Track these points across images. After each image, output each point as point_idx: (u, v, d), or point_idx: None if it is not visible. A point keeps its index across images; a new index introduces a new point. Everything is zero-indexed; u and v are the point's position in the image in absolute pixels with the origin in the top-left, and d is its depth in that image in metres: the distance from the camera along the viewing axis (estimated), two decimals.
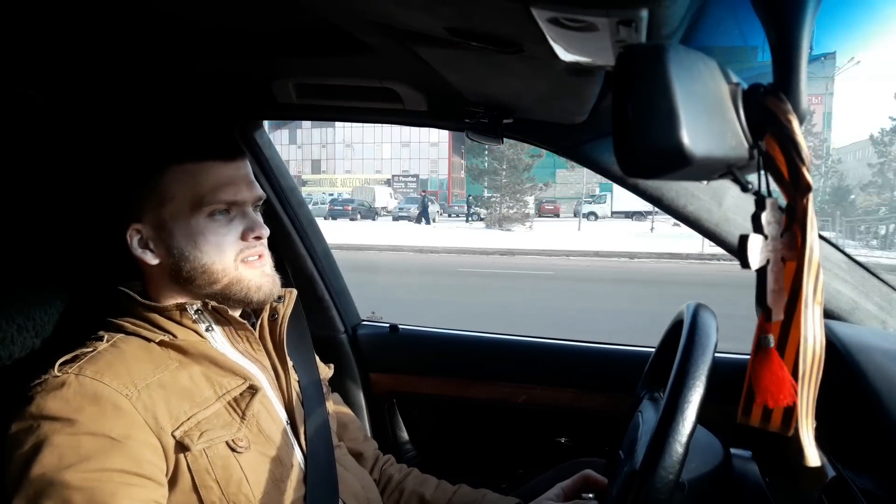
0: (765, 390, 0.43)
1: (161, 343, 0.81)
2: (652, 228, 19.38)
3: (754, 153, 0.41)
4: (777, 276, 0.42)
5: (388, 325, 1.58)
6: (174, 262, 0.82)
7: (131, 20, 0.87)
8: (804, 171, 0.40)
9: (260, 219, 0.87)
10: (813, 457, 0.42)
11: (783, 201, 0.43)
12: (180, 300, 0.84)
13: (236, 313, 0.88)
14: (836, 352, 0.81)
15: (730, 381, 0.78)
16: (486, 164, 24.43)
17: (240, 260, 0.84)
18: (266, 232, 0.87)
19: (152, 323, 0.82)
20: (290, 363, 0.92)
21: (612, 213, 23.44)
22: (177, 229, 0.82)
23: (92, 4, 0.83)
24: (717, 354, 0.73)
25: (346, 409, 1.15)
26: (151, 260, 0.83)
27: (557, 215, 27.18)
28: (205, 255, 0.82)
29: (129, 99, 1.17)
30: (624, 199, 24.02)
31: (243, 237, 0.85)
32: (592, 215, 24.48)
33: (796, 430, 0.43)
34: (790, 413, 0.43)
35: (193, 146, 0.83)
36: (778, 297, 0.42)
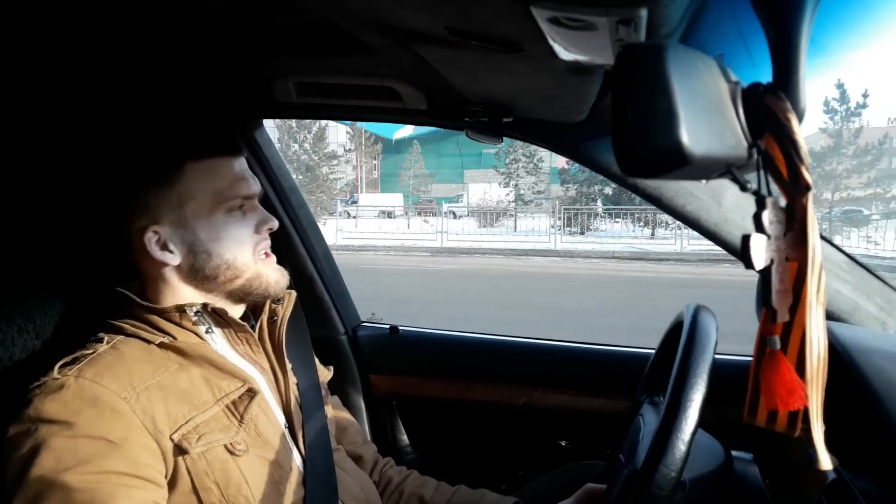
0: (775, 394, 0.42)
1: (161, 345, 0.80)
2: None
3: (753, 152, 0.41)
4: (782, 276, 0.42)
5: (388, 326, 1.57)
6: (196, 260, 0.83)
7: (132, 20, 0.87)
8: (803, 170, 0.40)
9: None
10: (825, 460, 0.42)
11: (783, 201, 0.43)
12: (187, 301, 0.84)
13: (236, 315, 0.88)
14: (836, 353, 0.80)
15: (729, 382, 0.78)
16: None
17: (257, 254, 0.87)
18: (276, 223, 0.89)
19: (152, 325, 0.82)
20: (288, 366, 0.92)
21: (469, 211, 24.29)
22: (199, 227, 0.82)
23: (93, 4, 0.82)
24: (716, 356, 0.73)
25: (345, 413, 1.15)
26: (172, 260, 0.83)
27: (435, 214, 27.95)
28: (227, 250, 0.84)
29: (130, 99, 1.17)
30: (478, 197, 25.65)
31: (257, 230, 0.87)
32: (451, 213, 25.37)
33: (802, 430, 0.42)
34: (796, 413, 0.43)
35: (207, 143, 0.84)
36: (783, 297, 0.42)
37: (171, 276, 0.84)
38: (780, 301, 0.42)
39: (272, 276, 0.88)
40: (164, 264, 0.83)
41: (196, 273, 0.84)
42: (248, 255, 0.86)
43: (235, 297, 0.87)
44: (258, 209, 0.88)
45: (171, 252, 0.83)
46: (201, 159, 0.83)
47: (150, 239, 0.82)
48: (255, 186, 0.87)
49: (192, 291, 0.85)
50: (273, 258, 0.90)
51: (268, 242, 0.89)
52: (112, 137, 1.07)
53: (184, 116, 1.23)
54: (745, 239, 0.40)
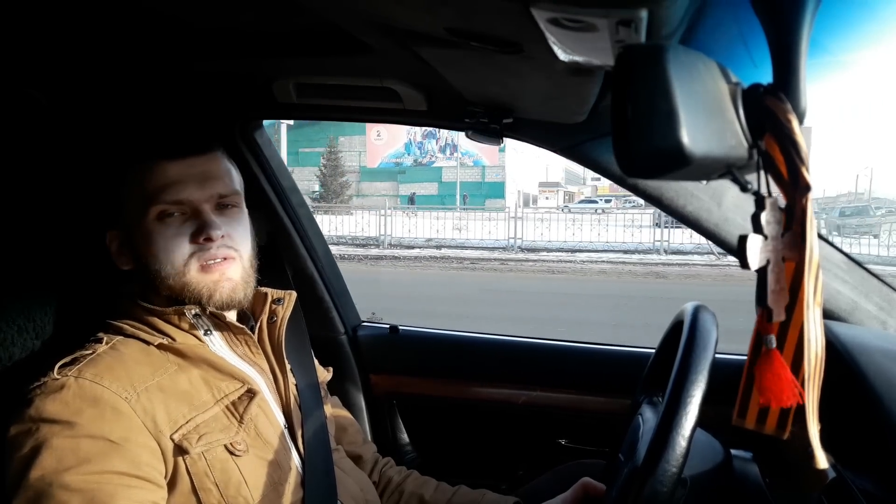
0: (767, 391, 0.43)
1: (160, 346, 0.80)
2: None
3: (754, 153, 0.41)
4: (778, 277, 0.42)
5: (388, 326, 1.57)
6: (140, 266, 0.82)
7: (132, 21, 0.87)
8: (803, 170, 0.40)
9: (214, 219, 0.81)
10: (822, 459, 0.42)
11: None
12: (168, 304, 0.83)
13: (233, 317, 0.88)
14: (836, 352, 0.80)
15: (730, 382, 0.78)
16: None
17: (194, 263, 0.80)
18: (216, 233, 0.81)
19: (151, 326, 0.82)
20: (288, 366, 0.92)
21: None
22: (135, 232, 0.82)
23: (93, 5, 0.82)
24: (716, 355, 0.73)
25: (344, 413, 1.15)
26: (124, 264, 0.83)
27: None
28: (155, 259, 0.81)
29: (129, 100, 1.16)
30: None
31: (193, 239, 0.81)
32: None
33: (792, 432, 0.43)
34: (786, 415, 0.43)
35: (140, 147, 0.83)
36: (779, 297, 0.42)
37: (139, 280, 0.84)
38: (775, 301, 0.42)
39: (206, 288, 0.80)
40: (122, 269, 0.83)
41: (144, 278, 0.82)
42: (177, 264, 0.80)
43: (178, 303, 0.81)
44: (200, 216, 0.81)
45: (124, 256, 0.83)
46: (136, 164, 0.81)
47: (112, 242, 0.83)
48: (192, 191, 0.80)
49: (158, 295, 0.83)
50: (227, 268, 0.82)
51: (216, 252, 0.81)
52: (92, 138, 1.08)
53: (181, 117, 1.23)
54: (742, 239, 0.40)
